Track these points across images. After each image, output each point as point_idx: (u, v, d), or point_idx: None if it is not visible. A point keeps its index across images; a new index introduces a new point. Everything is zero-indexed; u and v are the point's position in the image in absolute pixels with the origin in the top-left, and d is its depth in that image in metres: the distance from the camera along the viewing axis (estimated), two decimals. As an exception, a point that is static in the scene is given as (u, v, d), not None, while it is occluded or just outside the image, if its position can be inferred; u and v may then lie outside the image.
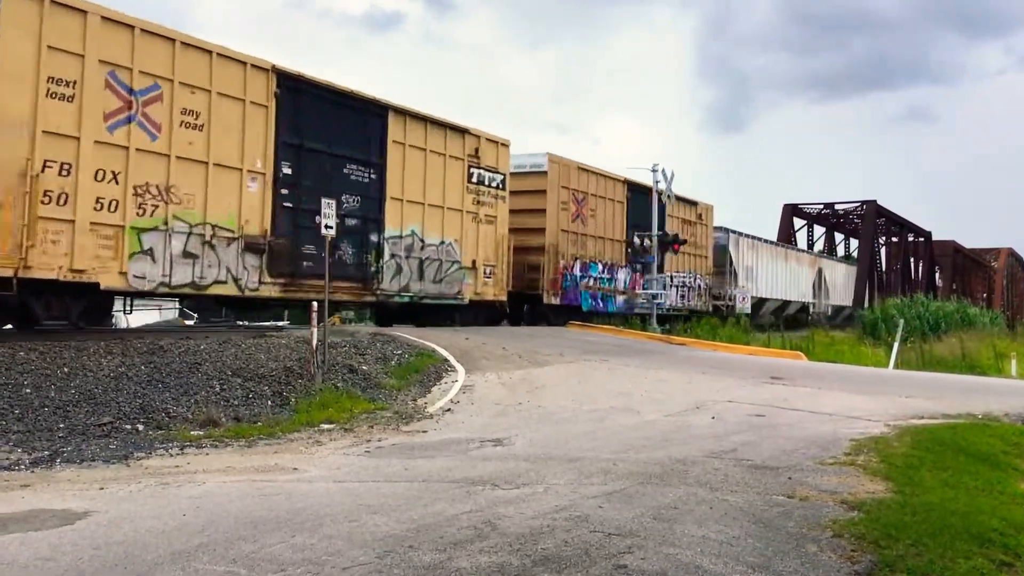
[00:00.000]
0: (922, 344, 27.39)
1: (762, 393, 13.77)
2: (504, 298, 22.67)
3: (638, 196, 29.18)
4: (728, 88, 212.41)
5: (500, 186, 22.36)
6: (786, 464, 8.11)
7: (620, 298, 28.17)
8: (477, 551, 5.25)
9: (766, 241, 43.13)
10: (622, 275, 28.41)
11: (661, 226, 29.30)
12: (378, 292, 18.67)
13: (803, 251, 50.27)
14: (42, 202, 12.53)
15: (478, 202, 21.55)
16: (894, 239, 65.22)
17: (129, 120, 13.75)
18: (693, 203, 33.26)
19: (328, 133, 17.51)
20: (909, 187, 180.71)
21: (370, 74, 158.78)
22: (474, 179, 21.54)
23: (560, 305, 25.20)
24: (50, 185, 12.64)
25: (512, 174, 23.40)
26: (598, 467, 7.95)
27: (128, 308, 17.26)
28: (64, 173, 12.83)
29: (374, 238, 18.57)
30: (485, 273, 21.84)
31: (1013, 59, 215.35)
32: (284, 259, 16.37)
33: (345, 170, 17.91)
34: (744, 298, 38.33)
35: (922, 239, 66.41)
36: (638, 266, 28.84)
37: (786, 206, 60.95)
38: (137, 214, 13.82)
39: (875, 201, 59.51)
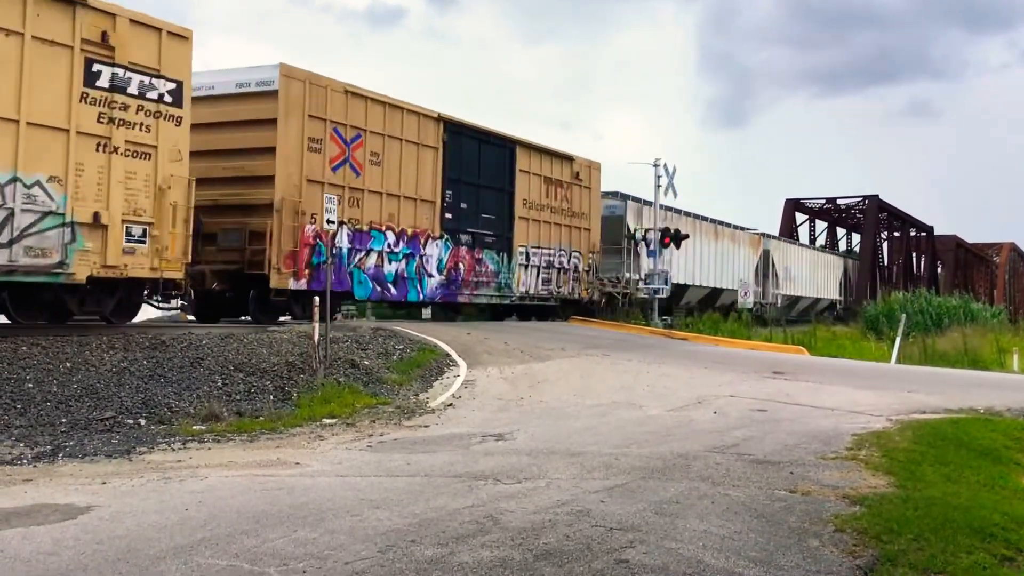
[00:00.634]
0: (924, 339, 27.36)
1: (764, 388, 13.77)
2: (177, 275, 14.28)
3: (462, 141, 20.81)
4: (730, 83, 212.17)
5: (167, 99, 13.66)
6: (788, 459, 8.12)
7: (432, 282, 20.05)
8: (479, 545, 5.25)
9: (688, 214, 34.27)
10: (434, 250, 20.07)
11: (510, 183, 22.76)
12: None
13: (741, 229, 40.23)
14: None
15: (111, 121, 12.92)
16: (896, 234, 65.11)
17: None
18: (566, 157, 25.21)
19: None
20: (911, 182, 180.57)
21: (372, 69, 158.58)
22: (101, 82, 12.78)
23: (310, 291, 16.14)
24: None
25: (228, 96, 16.49)
26: (600, 462, 7.95)
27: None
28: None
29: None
30: (131, 235, 13.25)
31: (1016, 53, 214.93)
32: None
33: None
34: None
35: (924, 234, 66.32)
36: (466, 238, 21.12)
37: (788, 201, 60.87)
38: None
39: (877, 196, 59.40)
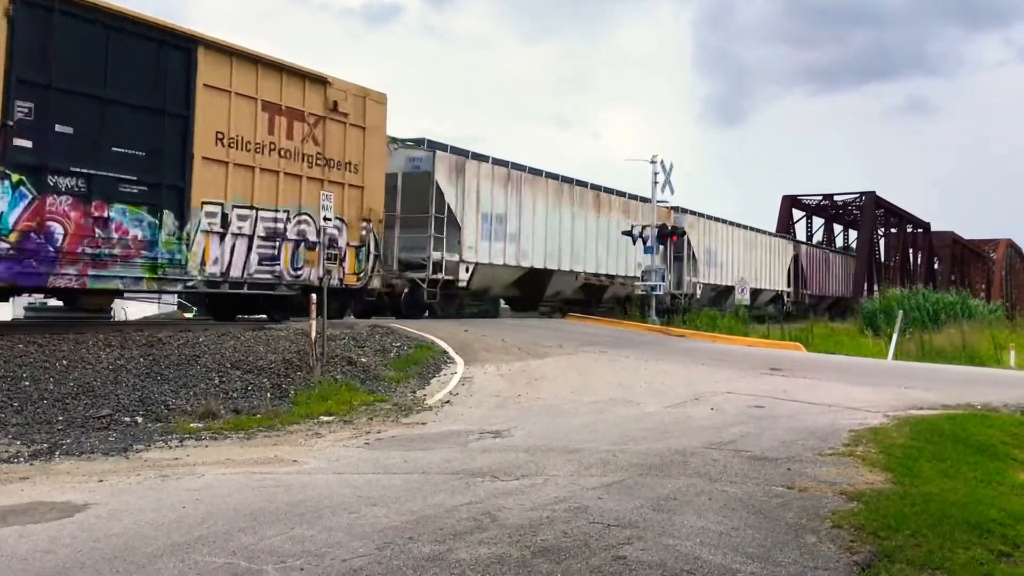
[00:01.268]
0: (921, 335, 27.38)
1: (761, 384, 13.77)
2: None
3: (62, 23, 12.33)
4: (727, 80, 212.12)
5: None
6: (785, 455, 8.12)
7: None
8: (477, 542, 5.25)
9: (537, 172, 26.27)
10: None
11: (184, 104, 14.14)
12: None
13: (642, 200, 30.94)
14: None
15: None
16: (893, 230, 65.18)
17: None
18: (313, 78, 16.95)
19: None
20: (908, 178, 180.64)
21: (368, 67, 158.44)
22: None
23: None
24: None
25: None
26: (597, 458, 7.95)
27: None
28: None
29: None
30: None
31: (1012, 51, 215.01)
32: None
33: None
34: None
35: (921, 230, 66.40)
36: (68, 182, 12.41)
37: (785, 197, 60.93)
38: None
39: (874, 192, 59.48)
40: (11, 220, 11.72)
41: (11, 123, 11.68)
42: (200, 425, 9.87)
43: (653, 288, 28.31)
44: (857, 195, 61.08)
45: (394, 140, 21.22)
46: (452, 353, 15.18)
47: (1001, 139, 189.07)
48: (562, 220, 26.88)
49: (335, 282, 16.87)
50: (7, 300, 15.26)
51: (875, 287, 54.70)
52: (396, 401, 11.93)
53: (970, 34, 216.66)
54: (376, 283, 18.64)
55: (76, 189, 12.55)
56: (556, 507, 6.12)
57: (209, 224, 14.65)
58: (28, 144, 11.94)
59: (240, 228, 15.20)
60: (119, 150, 13.16)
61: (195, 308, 26.37)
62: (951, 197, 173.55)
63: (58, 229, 12.34)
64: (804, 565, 4.99)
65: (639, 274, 29.26)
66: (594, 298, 29.87)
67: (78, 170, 12.56)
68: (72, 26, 12.49)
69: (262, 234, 15.61)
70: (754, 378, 14.54)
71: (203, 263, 14.55)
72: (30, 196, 11.99)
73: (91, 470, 7.52)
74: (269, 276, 15.79)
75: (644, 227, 28.68)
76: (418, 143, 22.59)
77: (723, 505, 6.23)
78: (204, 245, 14.57)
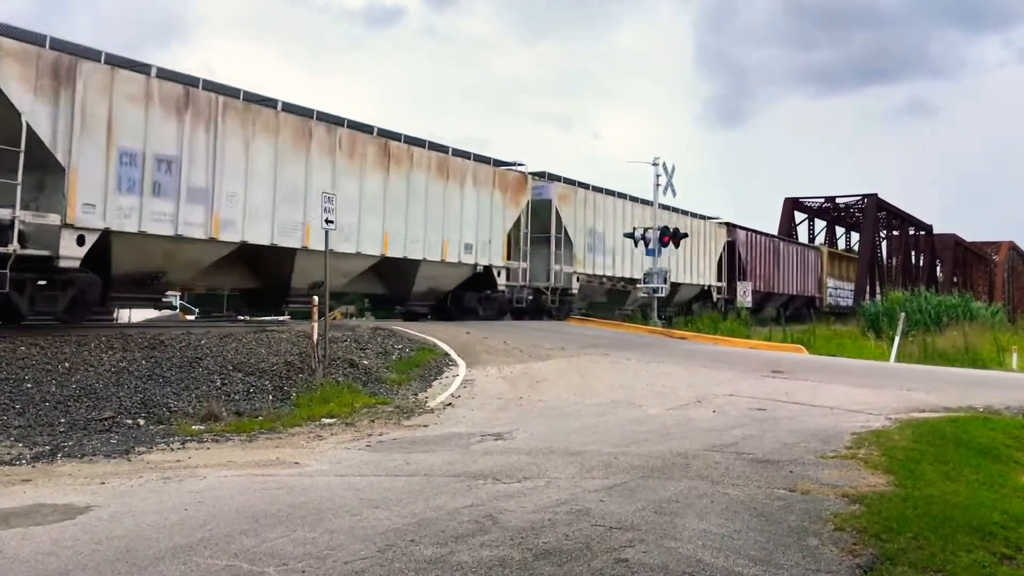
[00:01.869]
0: (924, 338, 27.34)
1: (763, 387, 13.76)
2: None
3: None
4: (727, 82, 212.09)
5: None
6: (787, 458, 8.11)
7: None
8: (478, 545, 5.24)
9: (322, 117, 18.50)
10: None
11: None
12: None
13: (495, 163, 24.16)
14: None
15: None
16: (895, 232, 65.16)
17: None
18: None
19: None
20: (910, 181, 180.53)
21: (370, 68, 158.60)
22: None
23: None
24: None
25: None
26: (599, 461, 7.95)
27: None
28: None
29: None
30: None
31: (1012, 53, 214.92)
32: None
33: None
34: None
35: (923, 232, 66.37)
36: None
37: (787, 200, 60.92)
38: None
39: (876, 195, 59.44)
40: None
41: None
42: (202, 427, 9.88)
43: (655, 291, 28.31)
44: (859, 197, 61.06)
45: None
46: (454, 355, 15.19)
47: (1003, 141, 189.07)
48: (382, 187, 19.71)
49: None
50: None
51: (877, 290, 54.63)
52: (398, 403, 11.93)
53: (971, 36, 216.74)
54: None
55: None
56: (558, 509, 6.11)
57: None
58: None
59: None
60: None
61: (196, 310, 26.42)
62: (953, 199, 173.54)
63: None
64: (806, 568, 4.98)
65: (461, 259, 22.33)
66: (399, 290, 22.18)
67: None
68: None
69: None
70: (756, 380, 14.52)
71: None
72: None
73: (93, 472, 7.52)
74: None
75: (646, 229, 28.68)
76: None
77: (725, 508, 6.22)
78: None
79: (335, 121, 18.77)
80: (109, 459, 8.15)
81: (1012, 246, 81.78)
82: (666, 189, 29.32)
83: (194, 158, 15.41)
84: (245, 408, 10.91)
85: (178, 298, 24.86)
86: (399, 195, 20.17)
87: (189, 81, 15.64)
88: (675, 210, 32.98)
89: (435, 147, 21.81)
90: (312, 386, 12.09)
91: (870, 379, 15.32)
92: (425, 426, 10.34)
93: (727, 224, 38.39)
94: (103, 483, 7.05)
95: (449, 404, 11.95)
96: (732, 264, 38.22)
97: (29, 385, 10.10)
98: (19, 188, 12.51)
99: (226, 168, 16.03)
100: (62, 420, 9.52)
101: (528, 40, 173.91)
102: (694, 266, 34.63)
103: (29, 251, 12.79)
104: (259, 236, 16.65)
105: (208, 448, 8.89)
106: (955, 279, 68.75)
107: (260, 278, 18.40)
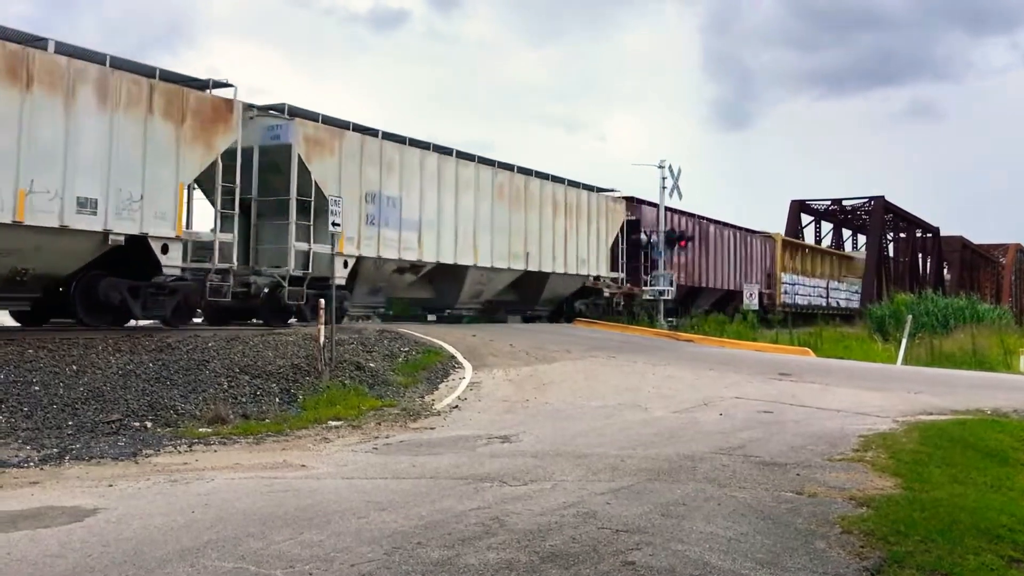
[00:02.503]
0: (931, 340, 27.27)
1: (770, 389, 13.74)
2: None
3: None
4: (733, 84, 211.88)
5: None
6: (794, 460, 8.10)
7: None
8: (485, 548, 5.25)
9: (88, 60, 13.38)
10: None
11: None
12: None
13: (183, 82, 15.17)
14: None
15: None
16: (902, 235, 64.99)
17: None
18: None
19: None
20: (917, 183, 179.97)
21: (375, 71, 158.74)
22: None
23: None
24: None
25: None
26: (606, 463, 7.95)
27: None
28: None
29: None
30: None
31: (1018, 55, 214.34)
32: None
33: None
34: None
35: (930, 235, 66.19)
36: None
37: (793, 202, 60.78)
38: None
39: (883, 197, 59.26)
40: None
41: None
42: (209, 430, 9.90)
43: (661, 293, 28.30)
44: (866, 200, 60.88)
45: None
46: (460, 358, 15.20)
47: (1009, 143, 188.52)
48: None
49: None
50: None
51: (884, 292, 54.40)
52: (404, 406, 11.94)
53: (977, 38, 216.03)
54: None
55: None
56: (565, 512, 6.11)
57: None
58: None
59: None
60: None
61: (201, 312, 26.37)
62: (960, 202, 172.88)
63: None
64: (814, 571, 4.97)
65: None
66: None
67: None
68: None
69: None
70: (762, 383, 14.50)
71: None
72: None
73: (101, 475, 7.54)
74: None
75: (651, 232, 28.65)
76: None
77: (732, 511, 6.22)
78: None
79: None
80: (117, 461, 8.17)
81: (1019, 248, 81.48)
82: (672, 191, 29.30)
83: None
84: (252, 411, 10.93)
85: None
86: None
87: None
88: (538, 175, 24.85)
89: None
90: (319, 389, 12.11)
91: (877, 382, 15.28)
92: (431, 428, 10.35)
93: (628, 199, 29.97)
94: (111, 485, 7.07)
95: (455, 407, 11.96)
96: (635, 250, 29.88)
97: (37, 388, 10.13)
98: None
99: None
100: (70, 422, 9.55)
101: (533, 43, 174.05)
102: (568, 251, 25.86)
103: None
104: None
105: (215, 450, 8.91)
106: (962, 281, 68.52)
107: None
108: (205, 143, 15.05)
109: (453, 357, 15.23)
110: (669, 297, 28.70)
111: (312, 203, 16.85)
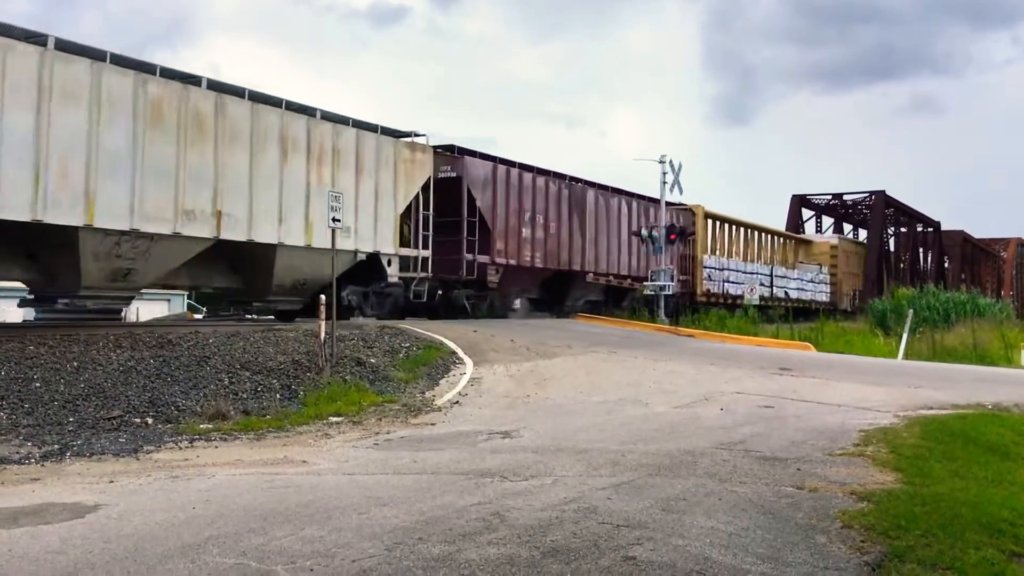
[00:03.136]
0: (932, 334, 27.26)
1: (771, 384, 13.74)
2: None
3: None
4: (734, 80, 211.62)
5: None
6: (795, 455, 8.10)
7: None
8: (486, 543, 5.25)
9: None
10: None
11: None
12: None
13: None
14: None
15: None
16: (903, 229, 64.92)
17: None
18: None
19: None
20: (917, 177, 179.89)
21: (376, 69, 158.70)
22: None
23: None
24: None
25: None
26: (606, 459, 7.95)
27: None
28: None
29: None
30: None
31: (1020, 50, 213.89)
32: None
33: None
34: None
35: (931, 229, 66.13)
36: None
37: (794, 197, 60.72)
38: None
39: (884, 191, 59.19)
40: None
41: None
42: (210, 426, 9.90)
43: (662, 288, 28.25)
44: (867, 194, 60.81)
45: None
46: (461, 354, 15.19)
47: (1010, 137, 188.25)
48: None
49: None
50: None
51: (885, 286, 54.32)
52: (405, 402, 11.94)
53: (978, 33, 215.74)
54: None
55: None
56: (565, 507, 6.11)
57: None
58: None
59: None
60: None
61: (204, 309, 26.50)
62: (961, 196, 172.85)
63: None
64: (814, 565, 4.97)
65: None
66: None
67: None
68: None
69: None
70: (763, 378, 14.50)
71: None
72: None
73: (102, 471, 7.55)
74: None
75: (652, 227, 28.62)
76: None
77: (733, 505, 6.22)
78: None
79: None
80: (118, 458, 8.18)
81: (1020, 242, 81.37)
82: (673, 187, 29.24)
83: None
84: (253, 407, 10.94)
85: (186, 297, 24.96)
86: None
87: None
88: (253, 96, 16.66)
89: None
90: (319, 385, 12.11)
91: (878, 376, 15.27)
92: (432, 424, 10.35)
93: (441, 148, 22.65)
94: (112, 482, 7.08)
95: (456, 402, 11.96)
96: (457, 221, 22.47)
97: (38, 384, 10.14)
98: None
99: None
100: (71, 419, 9.55)
101: (534, 40, 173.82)
102: (318, 213, 17.05)
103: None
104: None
105: (216, 447, 8.92)
106: (963, 276, 68.46)
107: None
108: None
109: (454, 353, 15.23)
110: (670, 292, 28.55)
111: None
